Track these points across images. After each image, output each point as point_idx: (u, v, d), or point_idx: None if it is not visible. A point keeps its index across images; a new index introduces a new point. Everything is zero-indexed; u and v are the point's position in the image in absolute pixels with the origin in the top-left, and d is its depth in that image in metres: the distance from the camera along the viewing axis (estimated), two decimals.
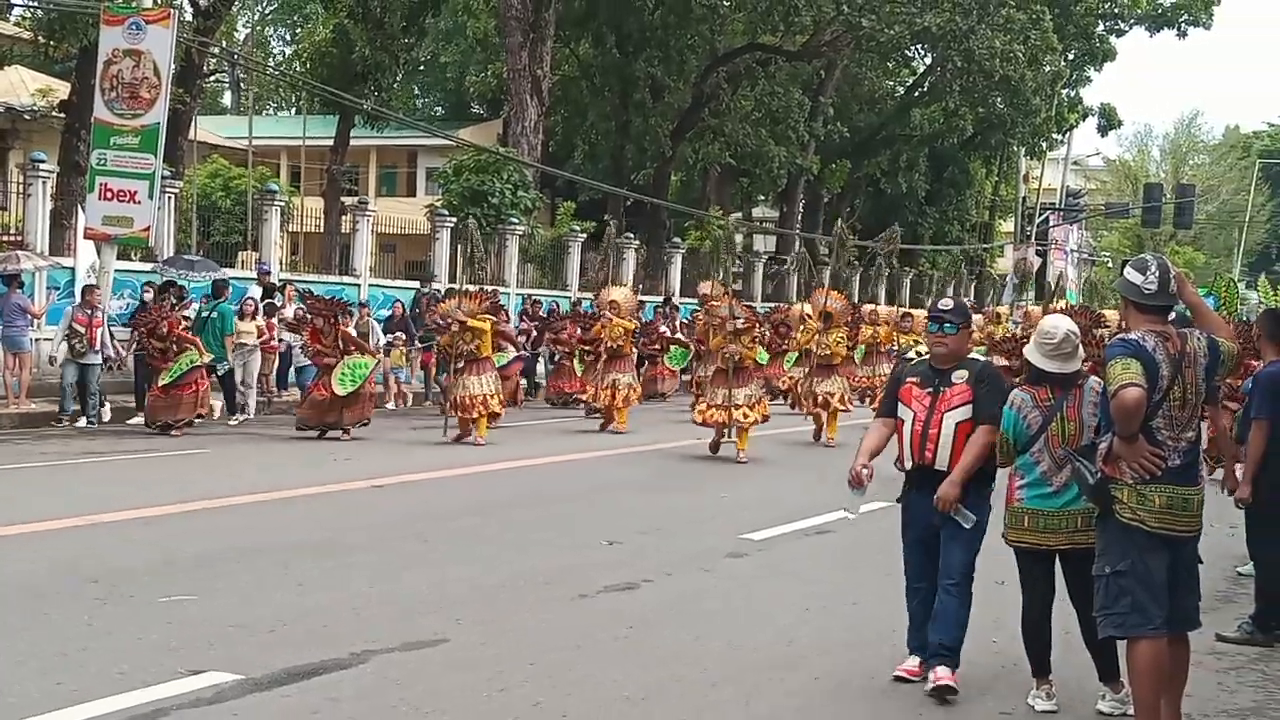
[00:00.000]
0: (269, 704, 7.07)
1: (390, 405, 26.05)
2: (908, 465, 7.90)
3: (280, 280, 27.70)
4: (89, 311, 21.41)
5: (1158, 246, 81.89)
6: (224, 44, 41.86)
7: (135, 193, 22.98)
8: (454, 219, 34.50)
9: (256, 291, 25.91)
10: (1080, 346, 7.61)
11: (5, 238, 26.72)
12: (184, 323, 21.63)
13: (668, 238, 46.50)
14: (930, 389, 7.91)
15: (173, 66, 24.09)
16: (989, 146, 63.40)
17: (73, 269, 24.35)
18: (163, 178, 24.42)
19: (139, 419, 21.57)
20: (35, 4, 28.05)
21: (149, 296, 22.23)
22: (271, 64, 62.49)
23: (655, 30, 45.30)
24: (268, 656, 7.82)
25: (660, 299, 39.22)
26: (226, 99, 71.96)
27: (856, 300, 41.51)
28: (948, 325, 7.93)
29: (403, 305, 29.17)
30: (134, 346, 22.26)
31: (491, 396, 20.72)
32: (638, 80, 46.04)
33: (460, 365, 20.86)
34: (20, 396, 21.76)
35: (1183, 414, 6.60)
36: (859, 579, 10.82)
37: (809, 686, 7.88)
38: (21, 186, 26.00)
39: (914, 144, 59.29)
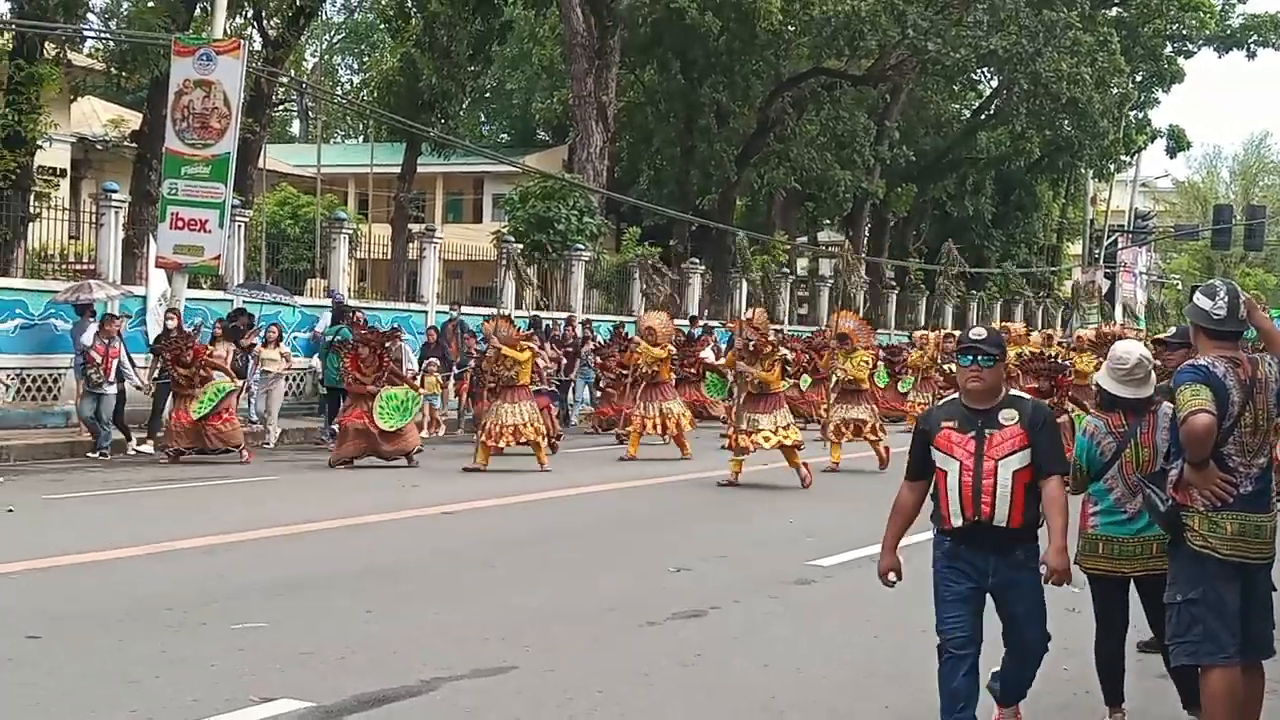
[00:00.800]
0: None
1: (424, 434, 24.55)
2: (956, 522, 6.86)
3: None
4: (107, 341, 21.01)
5: (1228, 269, 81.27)
6: (293, 73, 42.27)
7: (206, 221, 23.22)
8: (520, 245, 34.65)
9: (326, 318, 26.23)
10: (1153, 372, 7.55)
11: (78, 267, 27.08)
12: (211, 350, 21.61)
13: (733, 263, 46.50)
14: (973, 433, 6.86)
15: (242, 96, 24.35)
16: (1056, 169, 63.10)
17: (144, 298, 24.63)
18: (233, 206, 24.66)
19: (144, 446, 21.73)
20: (108, 35, 28.42)
21: (172, 324, 21.91)
22: (339, 93, 63.02)
23: (720, 56, 45.39)
24: (338, 684, 7.85)
25: (687, 321, 37.31)
26: (295, 128, 72.63)
27: (922, 324, 41.38)
28: (983, 359, 6.90)
29: (436, 331, 28.77)
30: (155, 373, 21.83)
31: (525, 425, 20.06)
32: (703, 106, 46.15)
33: (495, 390, 20.62)
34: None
35: (1254, 440, 6.52)
36: (930, 608, 10.75)
37: (880, 716, 7.83)
38: (94, 216, 26.32)
39: (980, 167, 59.09)
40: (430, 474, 19.58)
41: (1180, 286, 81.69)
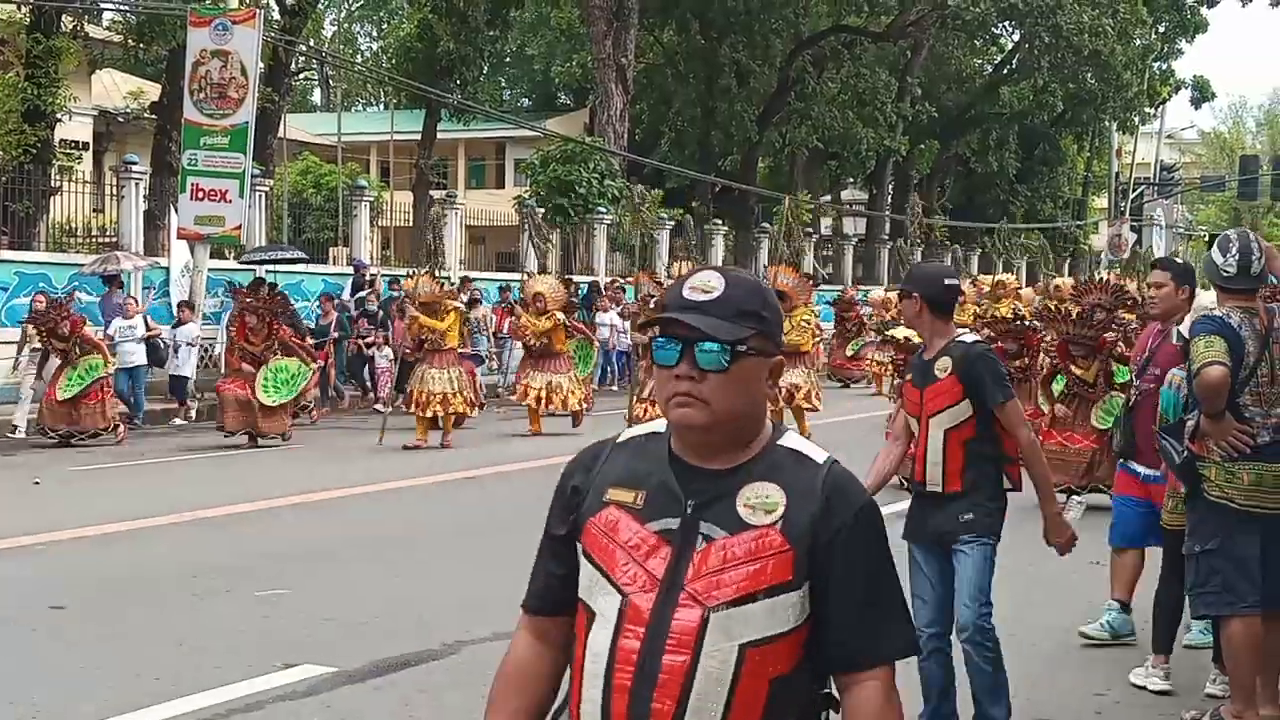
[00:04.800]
0: (361, 695, 7.14)
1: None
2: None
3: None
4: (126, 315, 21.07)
5: (1255, 220, 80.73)
6: (311, 42, 42.22)
7: (226, 192, 23.26)
8: (541, 210, 34.61)
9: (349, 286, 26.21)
10: None
11: (101, 239, 27.16)
12: (88, 324, 19.83)
13: (755, 223, 46.40)
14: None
15: (260, 66, 24.36)
16: (1080, 122, 62.67)
17: (167, 269, 24.70)
18: (253, 176, 24.69)
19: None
20: (125, 7, 28.42)
21: (40, 306, 19.84)
22: (359, 60, 62.93)
23: (739, 15, 45.19)
24: (360, 648, 7.89)
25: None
26: (316, 96, 72.63)
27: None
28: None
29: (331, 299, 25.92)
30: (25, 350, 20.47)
31: (454, 395, 18.47)
32: (723, 66, 45.97)
33: (418, 356, 19.03)
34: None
35: (1271, 390, 6.46)
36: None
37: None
38: (115, 188, 26.40)
39: (1003, 122, 58.75)
40: (462, 437, 19.51)
41: (1206, 238, 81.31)
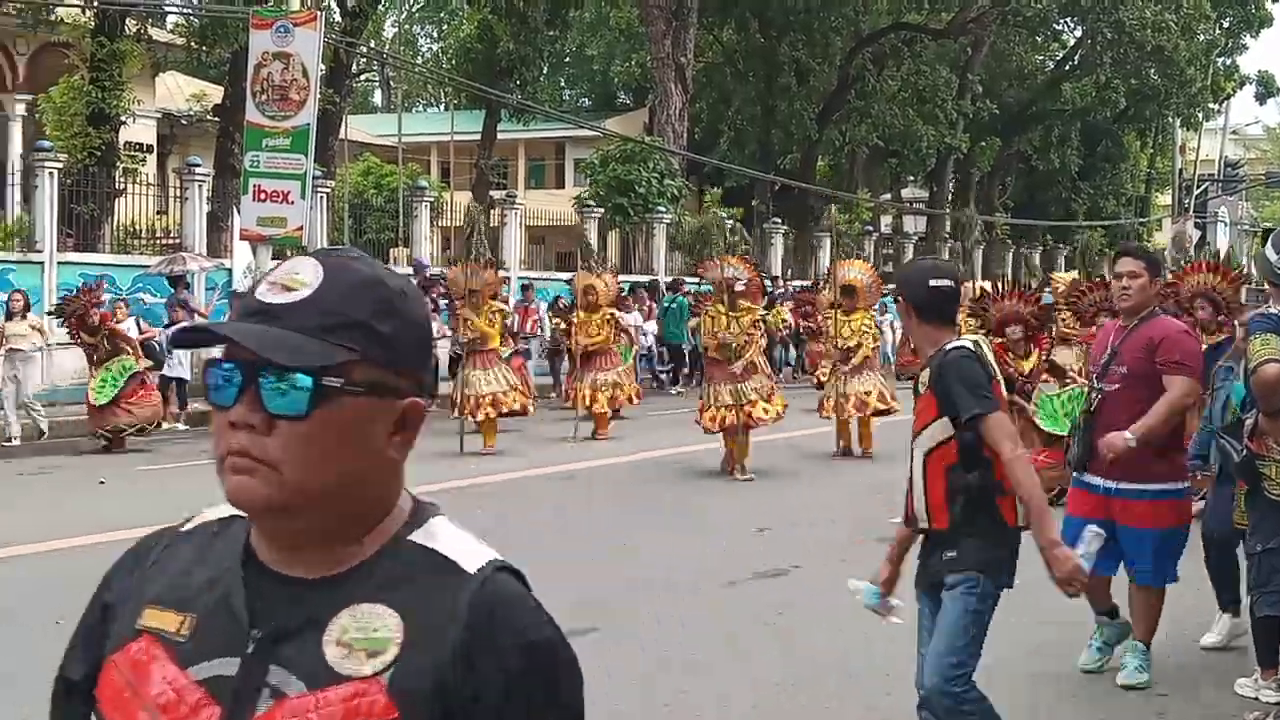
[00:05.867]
0: None
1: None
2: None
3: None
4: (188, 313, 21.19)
5: None
6: (372, 43, 42.46)
7: (288, 193, 23.40)
8: (600, 210, 34.66)
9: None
10: None
11: (165, 241, 27.42)
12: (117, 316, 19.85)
13: (815, 221, 46.30)
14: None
15: (321, 67, 24.49)
16: (1143, 119, 62.20)
17: (230, 270, 24.90)
18: (314, 177, 24.84)
19: None
20: (188, 10, 28.69)
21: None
22: (419, 61, 63.23)
23: (799, 13, 45.13)
24: None
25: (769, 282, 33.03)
26: (377, 98, 73.02)
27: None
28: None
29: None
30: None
31: (505, 393, 17.71)
32: (782, 64, 45.91)
33: (465, 357, 18.12)
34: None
35: None
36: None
37: None
38: (179, 190, 26.63)
39: (1065, 118, 58.38)
40: (521, 439, 19.59)
41: (1261, 234, 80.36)
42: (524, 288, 29.64)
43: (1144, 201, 70.19)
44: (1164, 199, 71.11)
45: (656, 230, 36.81)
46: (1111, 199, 64.87)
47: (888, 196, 57.93)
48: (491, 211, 35.91)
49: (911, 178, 60.68)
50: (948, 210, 53.74)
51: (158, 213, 28.43)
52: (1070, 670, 7.63)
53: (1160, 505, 6.96)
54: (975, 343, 5.42)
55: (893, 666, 6.93)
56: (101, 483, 15.07)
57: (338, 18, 33.05)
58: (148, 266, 23.48)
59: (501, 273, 30.68)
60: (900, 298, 5.48)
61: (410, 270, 28.55)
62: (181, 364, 21.22)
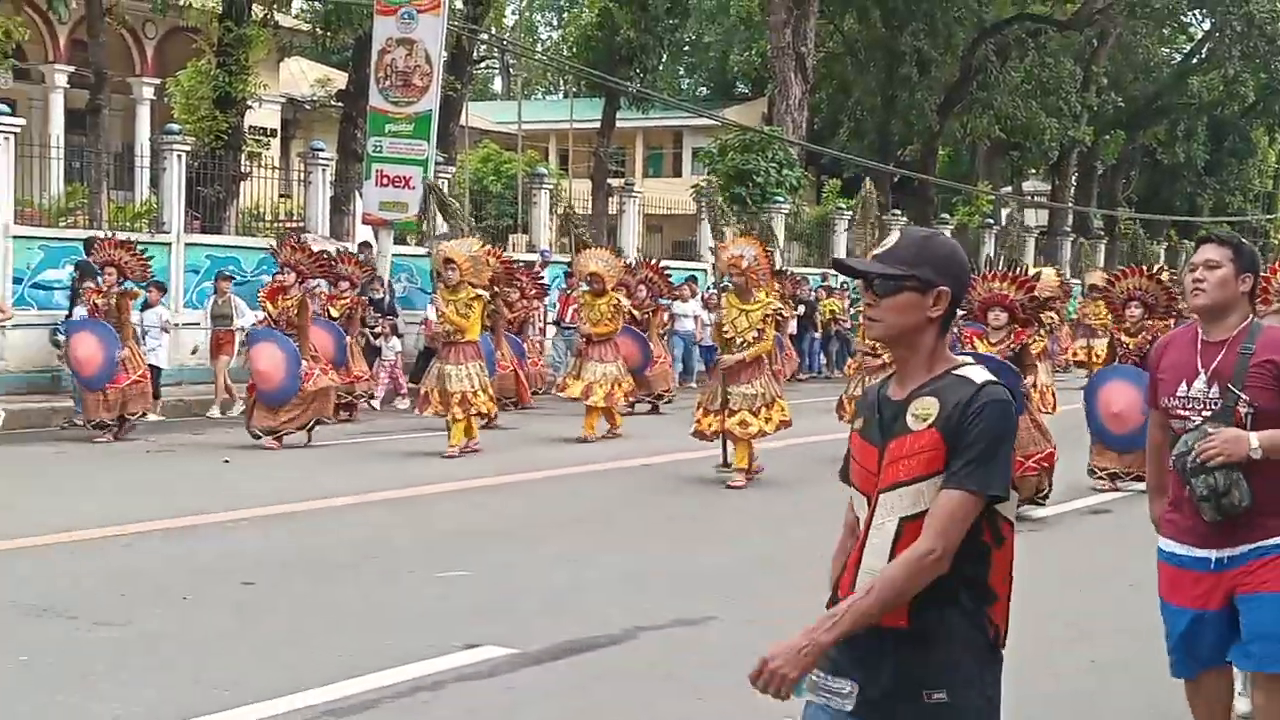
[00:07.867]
0: (541, 676, 7.17)
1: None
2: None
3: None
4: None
5: None
6: (493, 31, 42.62)
7: (410, 179, 23.59)
8: (718, 199, 34.58)
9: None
10: None
11: (288, 224, 27.72)
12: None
13: (935, 214, 45.91)
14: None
15: (443, 54, 24.63)
16: (1272, 113, 61.10)
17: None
18: (435, 163, 24.99)
19: None
20: None
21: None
22: (539, 49, 63.46)
23: (921, 3, 44.76)
24: (539, 631, 7.93)
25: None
26: (497, 85, 73.40)
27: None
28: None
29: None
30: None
31: (473, 394, 15.92)
32: (904, 55, 45.54)
33: (439, 350, 16.50)
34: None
35: None
36: (1140, 563, 10.51)
37: (1085, 669, 7.68)
38: (303, 174, 26.91)
39: (1192, 112, 57.46)
40: (646, 424, 19.54)
41: None
42: (566, 275, 25.06)
43: (1271, 198, 68.97)
44: None
45: (775, 220, 36.65)
46: (1238, 194, 63.80)
47: (1008, 189, 57.31)
48: (610, 199, 36.03)
49: (1033, 171, 60.02)
50: (1070, 204, 53.10)
51: (281, 196, 28.74)
52: None
53: None
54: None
55: None
56: (226, 461, 15.23)
57: (460, 5, 33.18)
58: (270, 249, 23.67)
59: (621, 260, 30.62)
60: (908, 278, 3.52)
61: (537, 258, 28.45)
62: (158, 353, 19.58)
